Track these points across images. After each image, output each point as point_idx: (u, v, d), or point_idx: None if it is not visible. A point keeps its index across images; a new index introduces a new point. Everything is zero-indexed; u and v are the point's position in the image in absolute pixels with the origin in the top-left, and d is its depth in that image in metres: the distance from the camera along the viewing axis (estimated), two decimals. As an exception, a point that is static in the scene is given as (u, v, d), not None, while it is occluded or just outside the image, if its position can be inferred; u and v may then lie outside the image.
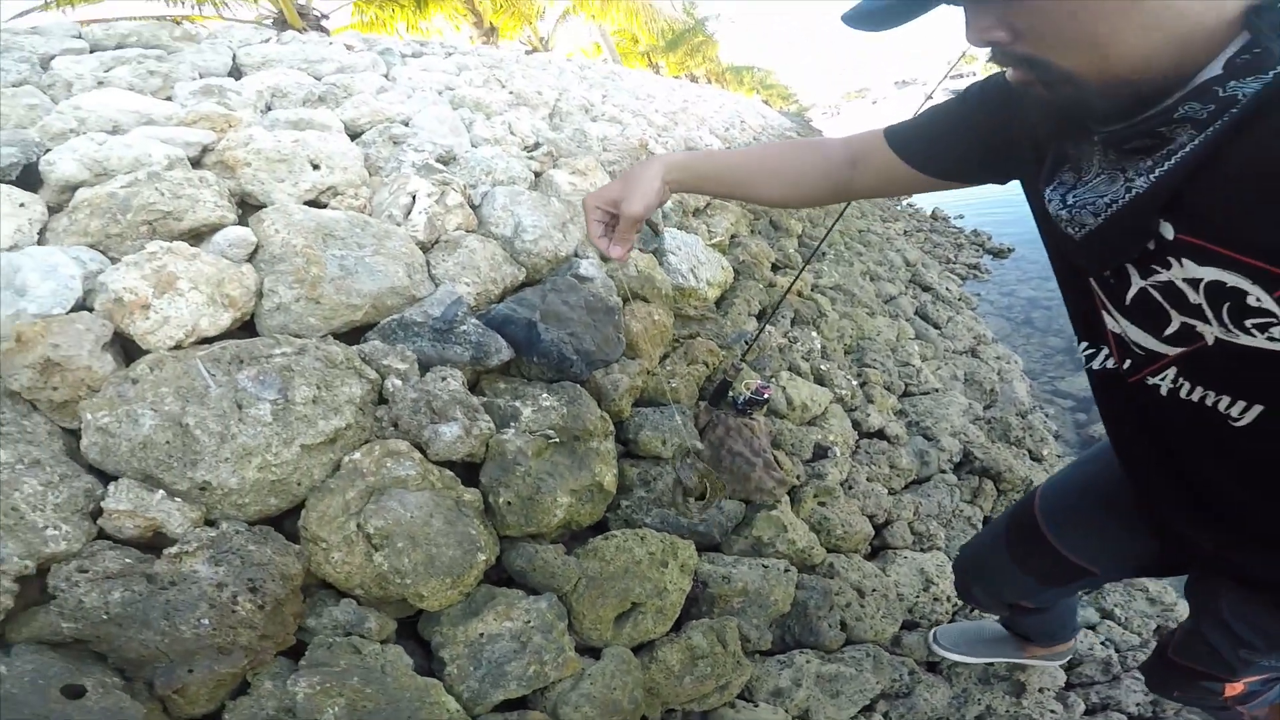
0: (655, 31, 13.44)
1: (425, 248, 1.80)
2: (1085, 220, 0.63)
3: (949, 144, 0.86)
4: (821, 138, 1.09)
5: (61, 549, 1.02)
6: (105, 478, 1.13)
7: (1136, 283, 0.64)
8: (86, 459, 1.13)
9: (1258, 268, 0.53)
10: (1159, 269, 0.61)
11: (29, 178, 1.58)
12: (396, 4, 8.94)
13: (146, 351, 1.26)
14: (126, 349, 1.30)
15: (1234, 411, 0.63)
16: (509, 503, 1.39)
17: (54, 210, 1.52)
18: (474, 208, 2.03)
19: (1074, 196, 0.65)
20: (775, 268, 3.30)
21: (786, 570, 1.72)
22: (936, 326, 4.10)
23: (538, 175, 2.49)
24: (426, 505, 1.25)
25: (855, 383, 2.70)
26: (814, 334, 2.83)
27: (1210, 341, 0.60)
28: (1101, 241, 0.63)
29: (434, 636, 1.27)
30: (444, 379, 1.44)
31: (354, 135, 2.30)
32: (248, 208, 1.74)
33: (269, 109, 2.36)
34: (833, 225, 2.50)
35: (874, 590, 1.85)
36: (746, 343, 2.21)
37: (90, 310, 1.29)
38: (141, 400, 1.14)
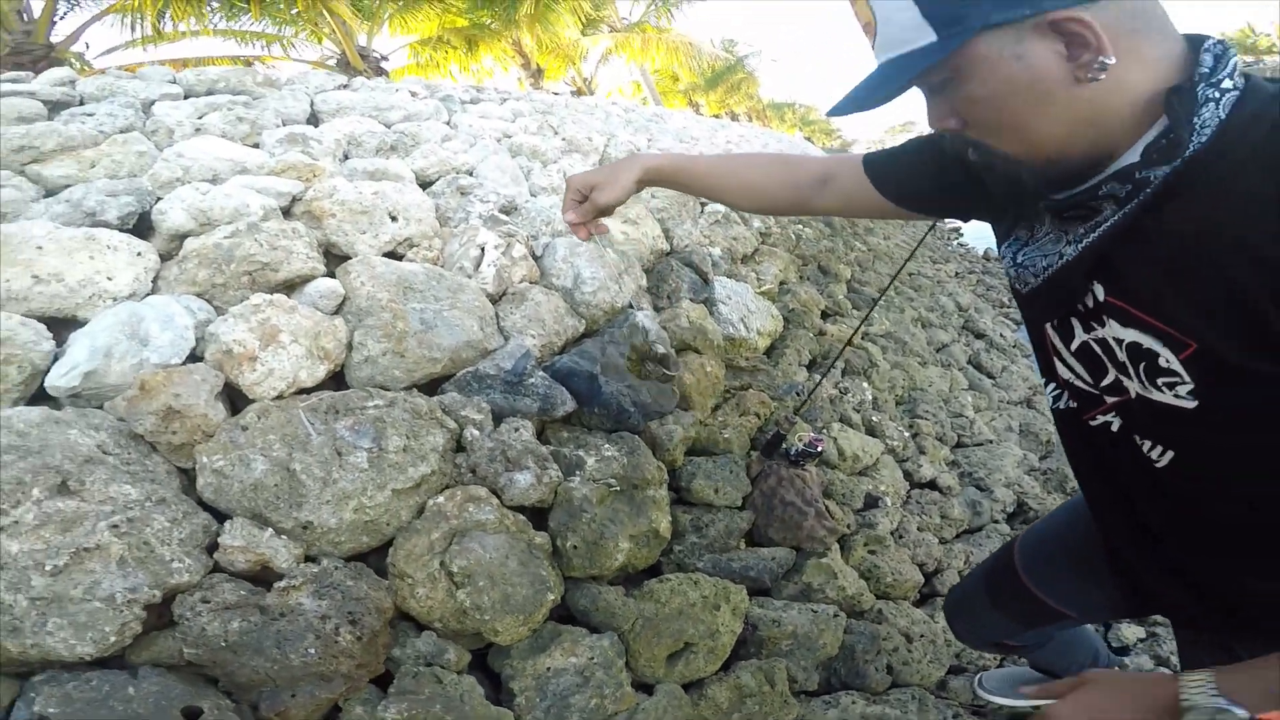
0: (696, 70, 13.79)
1: (494, 300, 1.95)
2: (1028, 279, 0.75)
3: (920, 178, 0.95)
4: (802, 155, 1.20)
5: (184, 580, 1.16)
6: (218, 515, 1.28)
7: (1080, 335, 0.73)
8: (201, 497, 1.28)
9: (1166, 332, 0.63)
10: (1096, 325, 0.70)
11: (142, 225, 1.78)
12: (449, 46, 9.43)
13: (252, 400, 1.41)
14: (233, 396, 1.45)
15: (1154, 455, 0.73)
16: (575, 546, 1.51)
17: (164, 257, 1.71)
18: (536, 259, 2.19)
19: (1023, 255, 0.76)
20: (825, 315, 3.40)
21: (835, 615, 1.80)
22: (990, 376, 4.14)
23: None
24: (503, 547, 1.37)
25: (907, 434, 2.77)
26: (865, 385, 2.91)
27: (1133, 395, 0.70)
28: (1042, 298, 0.74)
29: (504, 669, 1.38)
30: (517, 430, 1.57)
31: (424, 185, 2.49)
32: (332, 258, 1.91)
33: (347, 157, 2.56)
34: (893, 278, 2.60)
35: (922, 636, 1.91)
36: (797, 394, 2.31)
37: (201, 359, 1.46)
38: (252, 446, 1.28)
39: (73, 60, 7.50)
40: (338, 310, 1.71)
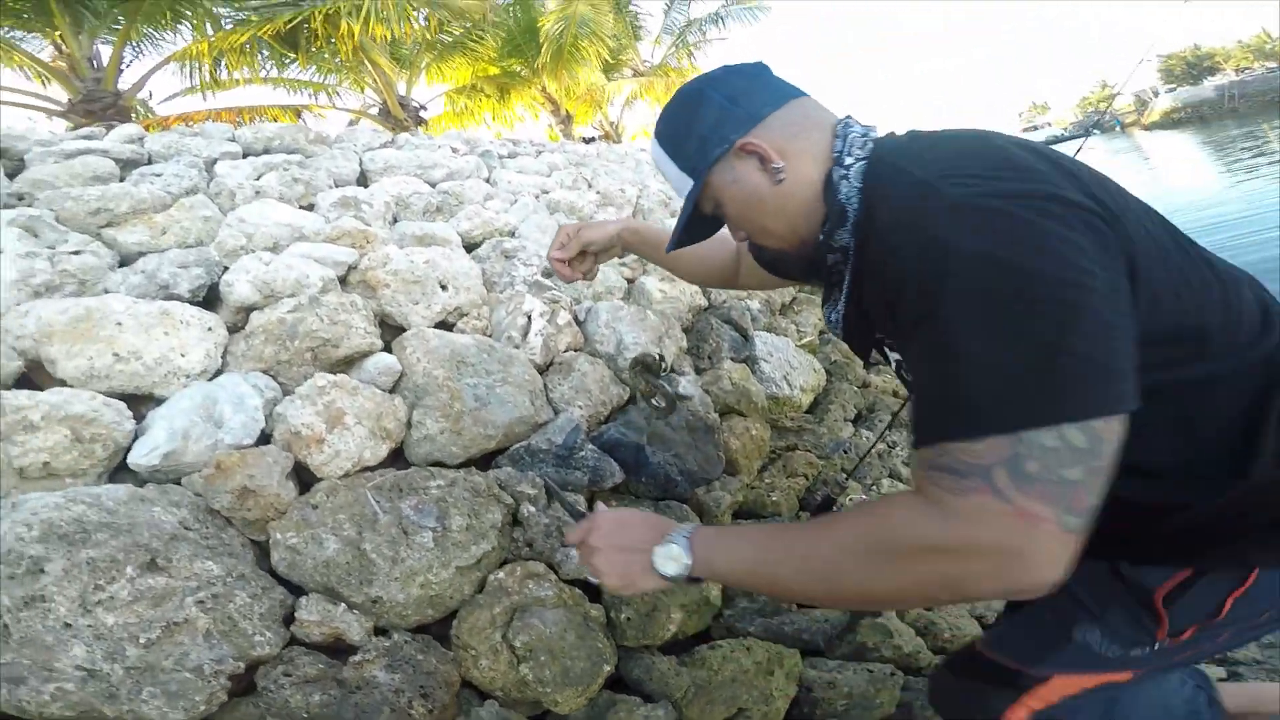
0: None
1: (541, 370, 2.03)
2: (835, 331, 0.95)
3: (784, 259, 1.14)
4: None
5: (265, 652, 1.23)
6: (292, 587, 1.36)
7: (893, 357, 0.89)
8: (276, 570, 1.36)
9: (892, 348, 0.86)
10: (890, 349, 0.89)
11: (210, 295, 1.89)
12: (483, 94, 9.81)
13: (319, 478, 1.50)
14: (300, 470, 1.54)
15: None
16: (629, 619, 1.56)
17: (231, 328, 1.82)
18: (579, 324, 2.27)
19: (833, 313, 0.93)
20: (868, 365, 3.42)
21: (892, 674, 1.81)
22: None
23: (630, 282, 2.72)
24: (561, 621, 1.42)
25: None
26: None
27: None
28: (850, 342, 0.95)
29: (563, 738, 1.42)
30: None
31: (470, 247, 2.60)
32: (387, 327, 2.01)
33: (396, 220, 2.69)
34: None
35: (982, 690, 1.90)
36: (845, 452, 2.34)
37: (270, 436, 1.56)
38: (323, 525, 1.36)
39: (137, 107, 7.92)
40: (395, 385, 1.80)
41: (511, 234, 2.75)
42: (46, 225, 1.91)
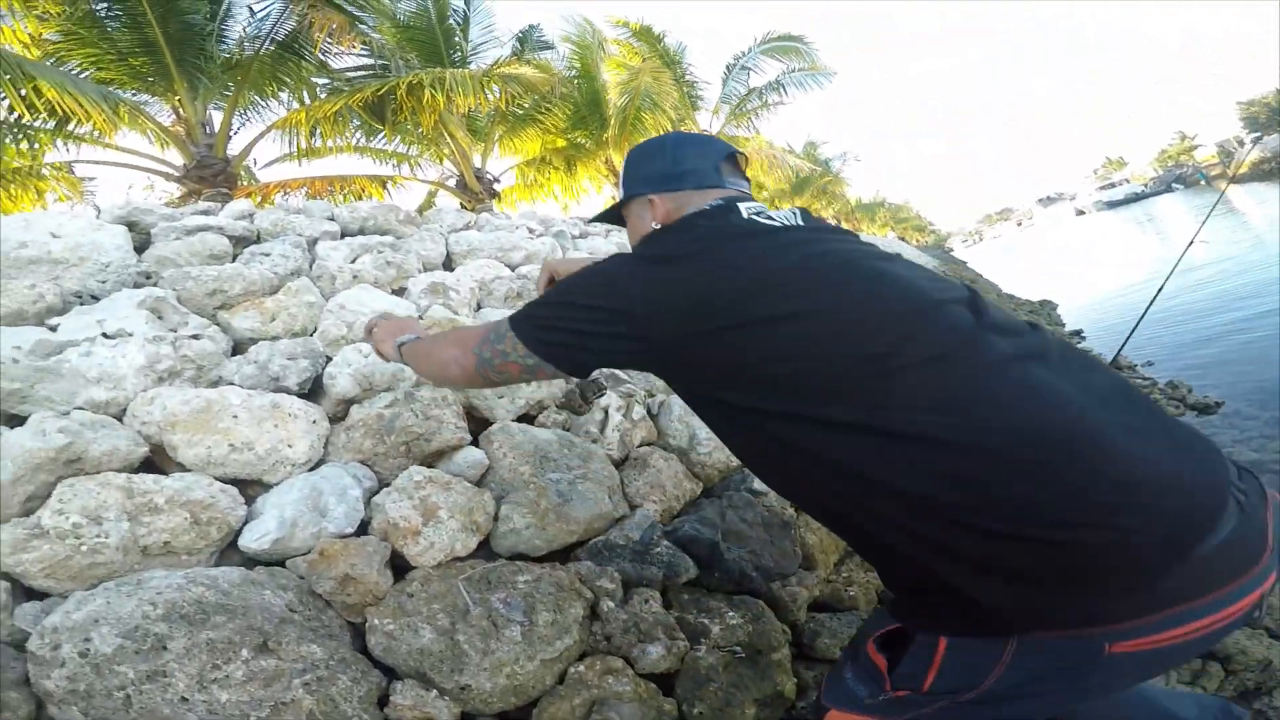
0: (781, 177, 14.26)
1: (618, 464, 2.13)
2: None
3: None
4: None
5: (362, 738, 1.31)
6: (385, 670, 1.46)
7: None
8: (371, 654, 1.46)
9: None
10: None
11: (314, 385, 2.06)
12: (551, 167, 10.35)
13: (413, 566, 1.62)
14: (395, 559, 1.65)
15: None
16: (701, 714, 1.59)
17: (332, 418, 1.97)
18: (653, 417, 2.36)
19: None
20: None
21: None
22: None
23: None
24: (637, 715, 1.47)
25: None
26: None
27: None
28: None
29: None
30: (647, 601, 1.71)
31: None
32: (473, 419, 2.14)
33: (480, 306, 2.86)
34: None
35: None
36: None
37: (368, 524, 1.69)
38: (418, 614, 1.46)
39: (242, 172, 8.62)
40: (483, 478, 1.93)
41: None
42: (170, 306, 2.11)
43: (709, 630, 1.75)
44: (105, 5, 7.31)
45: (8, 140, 7.30)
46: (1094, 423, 0.84)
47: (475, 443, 2.05)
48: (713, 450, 2.25)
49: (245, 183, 8.89)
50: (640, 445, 2.26)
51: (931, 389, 0.86)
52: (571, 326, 1.07)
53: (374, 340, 1.54)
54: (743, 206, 1.11)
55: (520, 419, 2.21)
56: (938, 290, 0.98)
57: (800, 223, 1.11)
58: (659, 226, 1.19)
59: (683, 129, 14.62)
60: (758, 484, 2.16)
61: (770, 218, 1.10)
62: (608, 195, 12.83)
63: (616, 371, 2.49)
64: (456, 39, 9.94)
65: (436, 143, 9.18)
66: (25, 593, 1.42)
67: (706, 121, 16.79)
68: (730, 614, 1.81)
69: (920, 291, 0.96)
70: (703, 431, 2.28)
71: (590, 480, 1.97)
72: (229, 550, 1.64)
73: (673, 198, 1.21)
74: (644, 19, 14.99)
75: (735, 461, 2.30)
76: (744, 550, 1.93)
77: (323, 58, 8.88)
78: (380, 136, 9.68)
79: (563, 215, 5.37)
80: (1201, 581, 0.82)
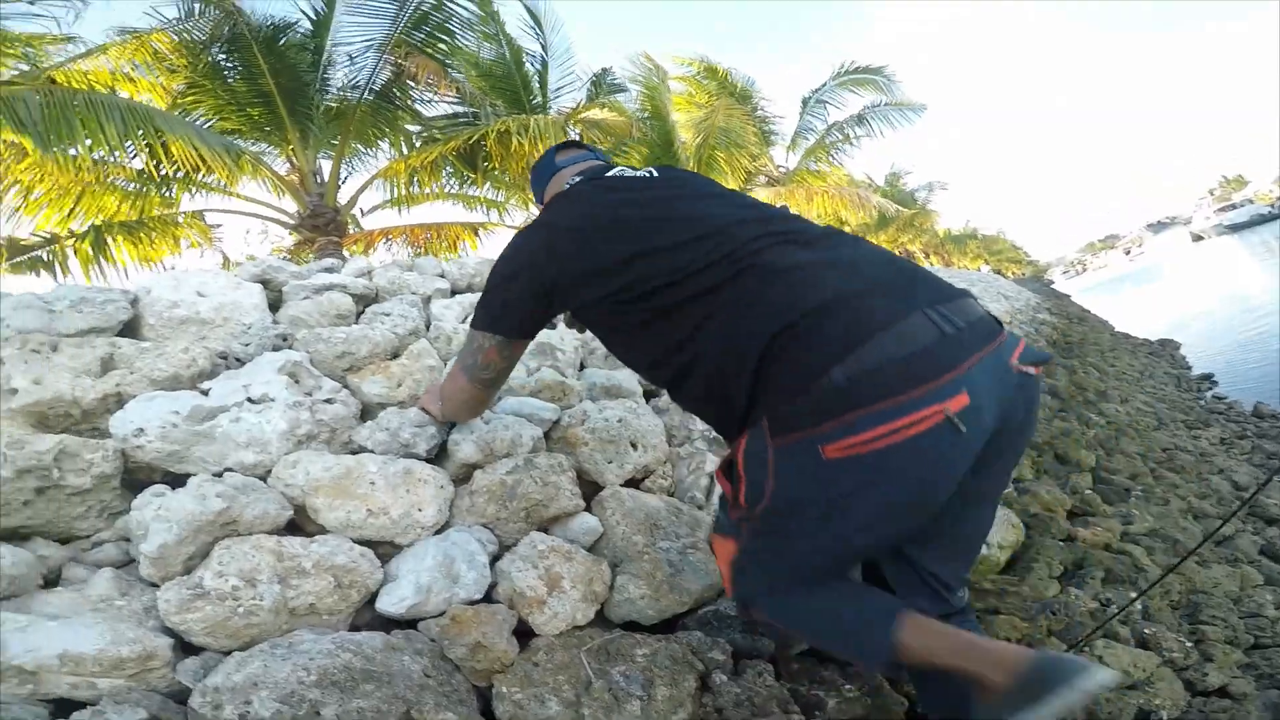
0: (865, 214, 14.07)
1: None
2: None
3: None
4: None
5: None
6: (510, 735, 1.53)
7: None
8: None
9: None
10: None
11: (440, 450, 2.18)
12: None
13: (536, 634, 1.72)
14: (517, 625, 1.74)
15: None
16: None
17: (454, 480, 2.08)
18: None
19: None
20: (1072, 514, 3.21)
21: None
22: (1293, 568, 3.64)
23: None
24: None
25: (1188, 643, 2.54)
26: (1132, 594, 2.73)
27: None
28: None
29: None
30: (760, 674, 1.74)
31: (649, 395, 2.81)
32: (583, 481, 2.22)
33: (582, 366, 2.96)
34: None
35: None
36: (1052, 613, 2.26)
37: (493, 587, 1.80)
38: (545, 684, 1.54)
39: (349, 219, 9.24)
40: (595, 544, 2.03)
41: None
42: (305, 370, 2.28)
43: (824, 703, 1.75)
44: (224, 56, 7.98)
45: (149, 190, 8.02)
46: (823, 279, 1.22)
47: (588, 508, 2.13)
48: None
49: (352, 229, 9.46)
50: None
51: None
52: (502, 299, 1.57)
53: (421, 407, 2.10)
54: (590, 172, 1.69)
55: (628, 483, 2.28)
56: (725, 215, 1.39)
57: (650, 174, 1.60)
58: (569, 186, 1.65)
59: (756, 166, 14.67)
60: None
61: (613, 177, 1.62)
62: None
63: (718, 433, 2.53)
64: (534, 84, 10.37)
65: (523, 188, 9.57)
66: (184, 647, 1.56)
67: (782, 157, 16.75)
68: (846, 685, 1.81)
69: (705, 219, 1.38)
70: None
71: (701, 550, 2.02)
72: (363, 608, 1.76)
73: (546, 194, 1.77)
74: (708, 57, 15.19)
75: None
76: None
77: (415, 106, 9.41)
78: (471, 183, 10.15)
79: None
80: (877, 389, 1.08)
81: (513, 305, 1.55)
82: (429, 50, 8.39)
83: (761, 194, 13.24)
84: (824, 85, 15.72)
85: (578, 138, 8.81)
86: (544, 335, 2.98)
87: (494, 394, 1.82)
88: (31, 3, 6.89)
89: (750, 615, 1.58)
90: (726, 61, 15.36)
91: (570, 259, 1.44)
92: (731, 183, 11.91)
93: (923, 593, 1.37)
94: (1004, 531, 2.71)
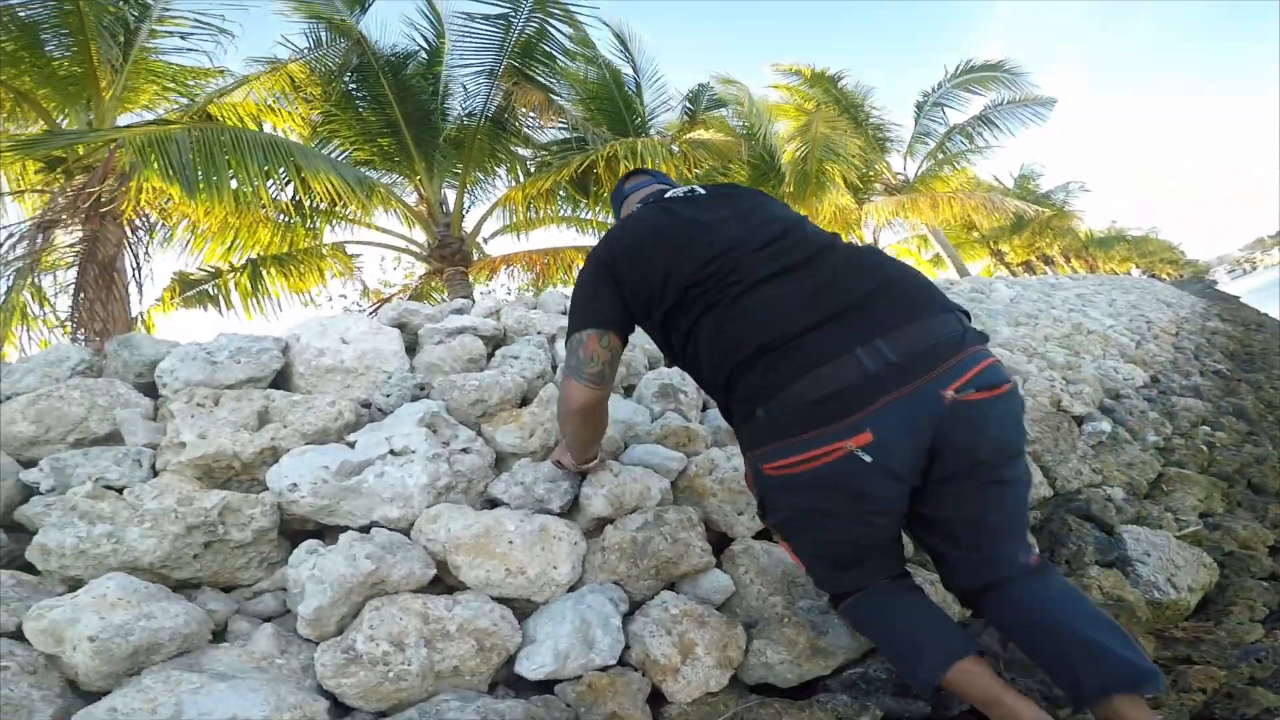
0: (1002, 216, 13.26)
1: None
2: None
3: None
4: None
5: None
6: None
7: None
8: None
9: None
10: None
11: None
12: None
13: (668, 701, 1.70)
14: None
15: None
16: None
17: (584, 533, 2.08)
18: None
19: None
20: (1275, 550, 2.88)
21: None
22: None
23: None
24: None
25: None
26: None
27: None
28: None
29: None
30: None
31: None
32: (710, 530, 2.18)
33: (705, 406, 2.91)
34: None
35: None
36: (1257, 659, 2.01)
37: (625, 649, 1.78)
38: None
39: (474, 248, 9.68)
40: (728, 602, 1.97)
41: None
42: (442, 419, 2.34)
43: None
44: (354, 86, 8.45)
45: (296, 222, 8.64)
46: (784, 315, 1.45)
47: (719, 562, 2.06)
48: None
49: (476, 258, 9.86)
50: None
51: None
52: (587, 305, 1.75)
53: (554, 461, 2.17)
54: (651, 196, 1.99)
55: (760, 534, 2.20)
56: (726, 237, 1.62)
57: (693, 191, 1.87)
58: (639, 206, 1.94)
59: (870, 174, 14.18)
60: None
61: (671, 197, 1.87)
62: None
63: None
64: (636, 105, 10.46)
65: (633, 212, 9.69)
66: (337, 707, 1.62)
67: (900, 164, 16.11)
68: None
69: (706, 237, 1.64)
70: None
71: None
72: (502, 668, 1.77)
73: (639, 196, 2.08)
74: (815, 64, 14.80)
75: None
76: (1032, 680, 1.78)
77: (527, 132, 9.68)
78: (583, 206, 10.34)
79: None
80: (789, 428, 1.37)
81: (598, 303, 1.73)
82: (533, 75, 8.60)
83: (883, 206, 12.77)
84: (940, 87, 15.05)
85: (682, 158, 8.81)
86: (666, 376, 2.93)
87: (607, 393, 1.80)
88: (183, 37, 7.67)
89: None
90: (835, 67, 14.89)
91: (627, 279, 1.69)
92: (840, 196, 11.57)
93: (974, 567, 1.55)
94: (1193, 573, 2.43)
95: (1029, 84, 14.35)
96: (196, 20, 7.52)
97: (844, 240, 1.67)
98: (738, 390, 1.47)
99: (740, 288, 1.50)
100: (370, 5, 8.16)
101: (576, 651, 1.70)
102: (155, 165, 5.19)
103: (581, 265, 1.93)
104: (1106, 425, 3.22)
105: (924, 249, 20.27)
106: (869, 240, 15.14)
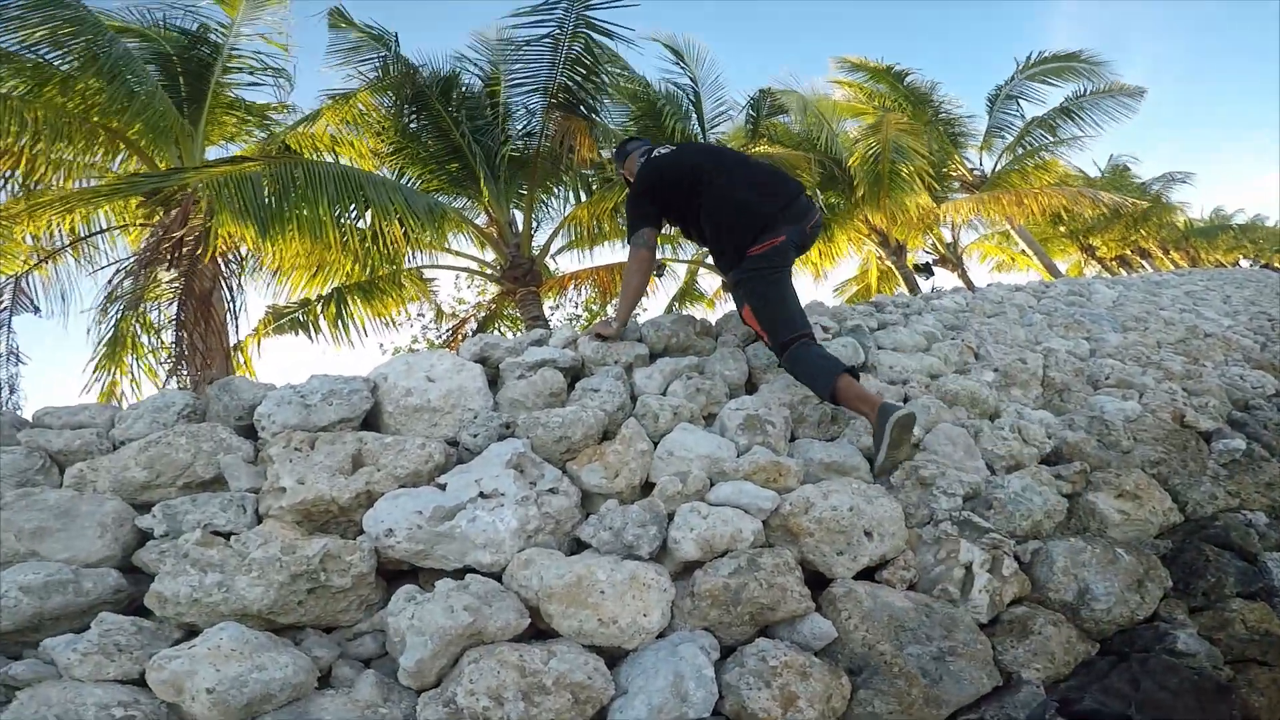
0: (1098, 209, 12.60)
1: (984, 627, 1.94)
2: None
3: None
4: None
5: None
6: None
7: None
8: None
9: None
10: None
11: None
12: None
13: None
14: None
15: None
16: None
17: (673, 575, 2.05)
18: (1024, 566, 2.14)
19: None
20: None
21: None
22: None
23: (1071, 499, 2.48)
24: None
25: None
26: None
27: None
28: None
29: None
30: None
31: (869, 460, 2.62)
32: (805, 571, 2.10)
33: (794, 437, 2.83)
34: None
35: None
36: None
37: (720, 699, 1.73)
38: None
39: (543, 268, 9.84)
40: (827, 648, 1.91)
41: (916, 445, 2.72)
42: (529, 459, 2.35)
43: None
44: (414, 115, 8.65)
45: (374, 250, 8.91)
46: (745, 197, 3.12)
47: (818, 605, 2.00)
48: (1112, 606, 2.00)
49: (546, 278, 10.00)
50: (1011, 604, 2.07)
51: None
52: (642, 211, 3.27)
53: (595, 334, 3.31)
54: (652, 149, 3.54)
55: (861, 573, 2.12)
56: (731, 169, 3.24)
57: (674, 147, 3.50)
58: (644, 160, 3.42)
59: (946, 170, 13.79)
60: (1180, 644, 1.87)
61: (665, 151, 3.43)
62: (867, 253, 12.36)
63: (965, 510, 2.29)
64: (691, 116, 10.40)
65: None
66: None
67: (976, 159, 15.62)
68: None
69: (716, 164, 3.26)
70: (1100, 585, 2.05)
71: (961, 656, 1.84)
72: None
73: (625, 166, 3.70)
74: (882, 59, 14.44)
75: (1141, 614, 2.07)
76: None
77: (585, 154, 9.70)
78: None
79: (852, 306, 5.21)
80: (759, 238, 3.04)
81: (647, 209, 3.28)
82: (582, 98, 8.57)
83: (963, 206, 12.36)
84: (1012, 79, 14.47)
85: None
86: (750, 406, 2.86)
87: (654, 253, 3.37)
88: (251, 73, 8.10)
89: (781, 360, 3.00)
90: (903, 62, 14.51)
91: (668, 180, 3.25)
92: (920, 196, 11.26)
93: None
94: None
95: (1110, 73, 13.67)
96: (257, 59, 8.25)
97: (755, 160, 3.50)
98: (737, 231, 3.09)
99: (719, 184, 3.12)
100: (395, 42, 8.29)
101: (670, 706, 1.66)
102: (231, 205, 5.47)
103: (635, 184, 3.42)
104: (1240, 442, 2.99)
105: (1008, 244, 19.41)
106: (948, 240, 14.71)
